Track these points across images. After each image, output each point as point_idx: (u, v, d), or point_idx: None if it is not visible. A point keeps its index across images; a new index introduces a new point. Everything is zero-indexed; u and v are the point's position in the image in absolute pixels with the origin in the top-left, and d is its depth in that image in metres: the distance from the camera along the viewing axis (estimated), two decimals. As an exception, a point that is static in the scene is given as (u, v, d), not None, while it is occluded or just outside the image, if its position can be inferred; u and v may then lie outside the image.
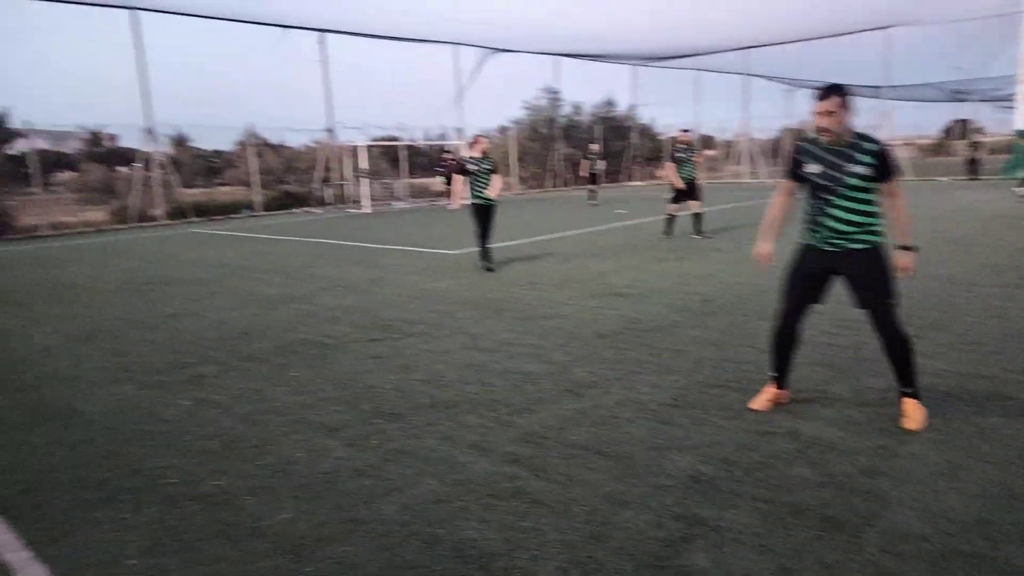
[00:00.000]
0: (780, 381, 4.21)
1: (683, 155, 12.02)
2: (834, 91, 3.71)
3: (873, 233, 3.80)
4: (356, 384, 5.01)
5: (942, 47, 32.89)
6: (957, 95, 34.18)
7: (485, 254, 9.75)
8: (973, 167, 27.44)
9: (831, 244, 3.87)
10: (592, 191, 22.20)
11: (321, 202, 25.37)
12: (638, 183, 34.93)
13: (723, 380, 4.72)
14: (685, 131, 12.60)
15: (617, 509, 3.09)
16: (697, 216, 12.30)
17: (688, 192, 12.07)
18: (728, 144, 40.17)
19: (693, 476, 3.37)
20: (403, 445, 3.91)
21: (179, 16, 21.56)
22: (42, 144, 29.36)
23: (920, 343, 5.35)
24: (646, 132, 38.30)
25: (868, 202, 3.78)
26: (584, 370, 5.09)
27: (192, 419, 4.46)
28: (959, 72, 33.84)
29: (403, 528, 3.02)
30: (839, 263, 3.88)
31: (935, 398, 4.18)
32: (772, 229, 4.24)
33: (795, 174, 3.98)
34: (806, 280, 4.01)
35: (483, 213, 9.77)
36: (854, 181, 3.72)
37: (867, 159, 3.70)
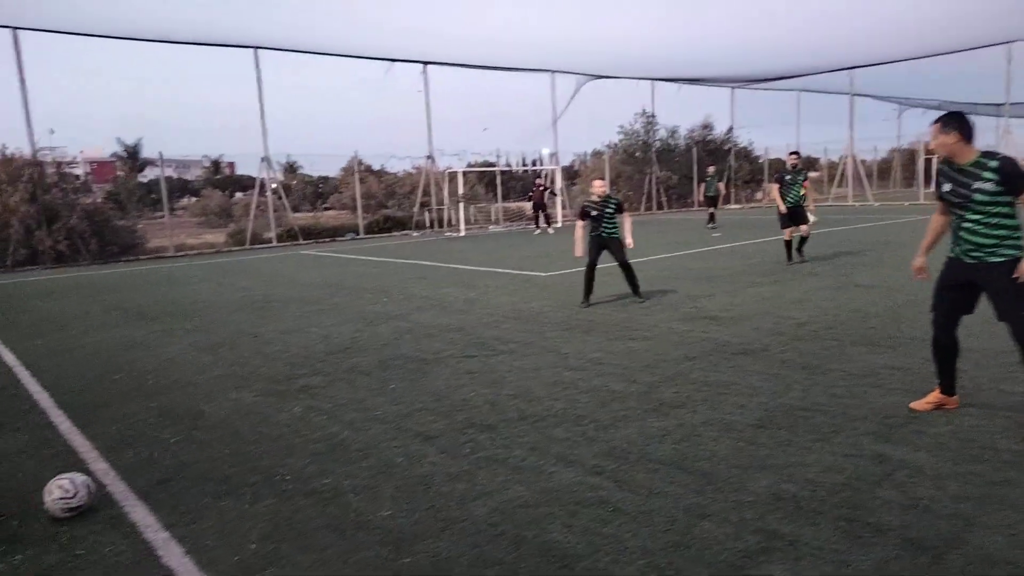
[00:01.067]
0: (945, 388, 4.43)
1: (790, 178, 11.72)
2: (938, 120, 4.07)
3: (1012, 247, 3.98)
4: (451, 397, 5.30)
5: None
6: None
7: (633, 286, 9.08)
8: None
9: (971, 257, 4.09)
10: (712, 215, 20.85)
11: (420, 226, 26.33)
12: (735, 206, 34.24)
13: (811, 404, 4.71)
14: (794, 154, 12.30)
15: (696, 521, 3.20)
16: (802, 239, 11.97)
17: (793, 216, 11.72)
18: (833, 166, 38.82)
19: (775, 494, 3.43)
20: (493, 454, 4.14)
21: (295, 53, 23.12)
22: (169, 172, 31.86)
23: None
24: (745, 155, 37.55)
25: (1003, 215, 3.96)
26: (671, 390, 5.19)
27: (303, 424, 4.87)
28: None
29: (492, 528, 3.24)
30: (979, 276, 4.09)
31: (1038, 428, 4.05)
32: (926, 244, 4.51)
33: (938, 194, 4.25)
34: (951, 291, 4.24)
35: (605, 246, 8.98)
36: (981, 197, 3.96)
37: (992, 175, 3.92)
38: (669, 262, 13.15)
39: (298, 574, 2.96)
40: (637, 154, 33.48)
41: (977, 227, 4.01)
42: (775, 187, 11.97)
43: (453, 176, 25.43)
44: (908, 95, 39.00)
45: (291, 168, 50.18)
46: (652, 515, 3.28)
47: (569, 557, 2.96)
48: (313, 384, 5.86)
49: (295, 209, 28.22)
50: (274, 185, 24.09)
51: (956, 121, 4.02)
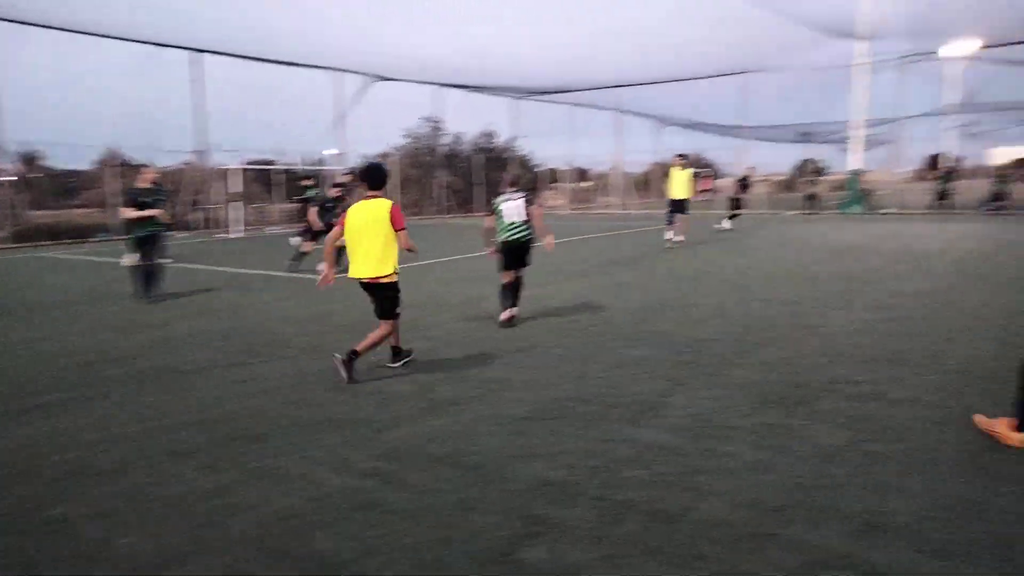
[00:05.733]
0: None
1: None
2: None
3: None
4: (214, 409, 4.93)
5: (791, 92, 36.08)
6: (804, 136, 37.50)
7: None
8: (812, 202, 30.10)
9: None
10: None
11: (188, 226, 24.29)
12: (518, 212, 35.78)
13: (577, 395, 5.03)
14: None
15: (466, 514, 3.27)
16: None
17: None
18: (603, 176, 42.04)
19: (540, 481, 3.60)
20: (260, 466, 3.91)
21: (40, 28, 20.20)
22: None
23: (749, 357, 5.94)
24: (525, 163, 39.41)
25: None
26: (449, 388, 5.26)
27: (34, 448, 4.24)
28: (806, 115, 37.19)
29: (251, 544, 3.05)
30: None
31: (757, 406, 4.67)
32: None
33: None
34: None
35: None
36: None
37: None
38: (455, 264, 13.40)
39: (14, 621, 2.56)
40: (424, 158, 33.77)
41: None
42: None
43: (226, 174, 23.80)
44: (666, 114, 43.40)
45: (31, 159, 43.83)
46: (422, 513, 3.29)
47: (335, 564, 2.87)
48: (49, 402, 5.14)
49: (37, 206, 24.69)
50: (9, 177, 20.88)
51: None
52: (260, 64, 25.60)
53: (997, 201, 25.54)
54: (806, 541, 2.93)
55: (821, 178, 36.26)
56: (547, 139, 47.39)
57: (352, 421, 4.59)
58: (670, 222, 15.27)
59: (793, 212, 29.43)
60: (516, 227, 7.48)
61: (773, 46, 28.92)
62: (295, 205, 22.03)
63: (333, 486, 3.62)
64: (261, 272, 12.85)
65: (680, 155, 15.47)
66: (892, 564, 2.76)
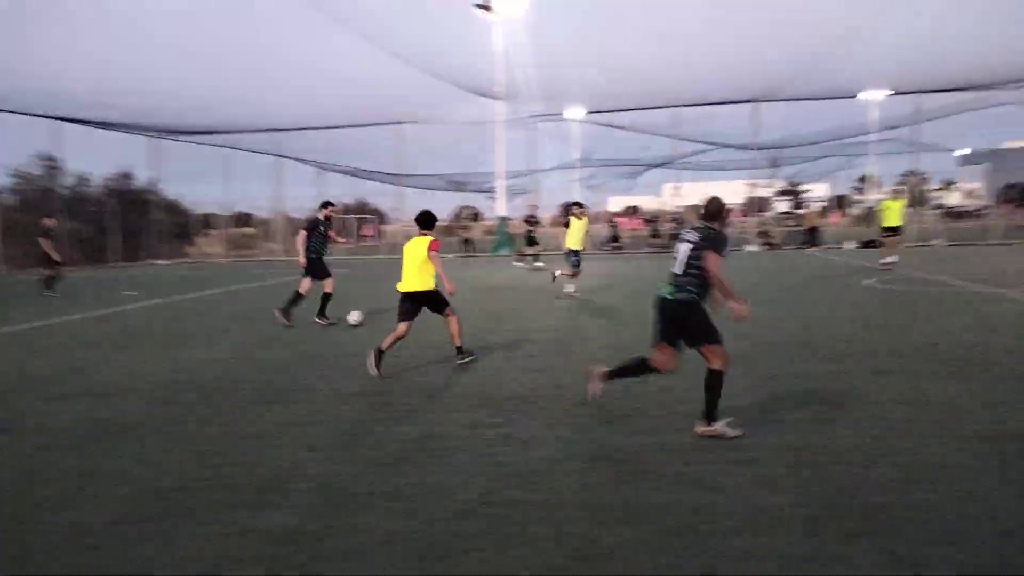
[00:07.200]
0: None
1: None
2: None
3: None
4: None
5: (443, 144, 38.58)
6: (456, 185, 40.17)
7: None
8: (467, 246, 32.29)
9: None
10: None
11: None
12: (164, 261, 32.12)
13: (194, 478, 4.21)
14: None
15: None
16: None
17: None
18: (264, 222, 40.10)
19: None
20: None
21: None
22: None
23: (389, 410, 5.69)
24: (173, 207, 35.76)
25: None
26: (11, 494, 4.04)
27: None
28: (458, 166, 39.96)
29: None
30: None
31: (391, 464, 4.38)
32: None
33: None
34: None
35: None
36: None
37: None
38: (71, 326, 11.17)
39: None
40: (37, 202, 28.54)
41: None
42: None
43: None
44: (327, 160, 43.11)
45: None
46: None
47: None
48: None
49: None
50: None
51: None
52: None
53: (614, 242, 29.98)
54: (428, 625, 2.63)
55: (473, 224, 39.12)
56: (199, 183, 43.69)
57: None
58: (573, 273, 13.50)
59: (452, 255, 31.09)
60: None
61: (426, 100, 30.57)
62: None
63: None
64: None
65: (577, 203, 14.66)
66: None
